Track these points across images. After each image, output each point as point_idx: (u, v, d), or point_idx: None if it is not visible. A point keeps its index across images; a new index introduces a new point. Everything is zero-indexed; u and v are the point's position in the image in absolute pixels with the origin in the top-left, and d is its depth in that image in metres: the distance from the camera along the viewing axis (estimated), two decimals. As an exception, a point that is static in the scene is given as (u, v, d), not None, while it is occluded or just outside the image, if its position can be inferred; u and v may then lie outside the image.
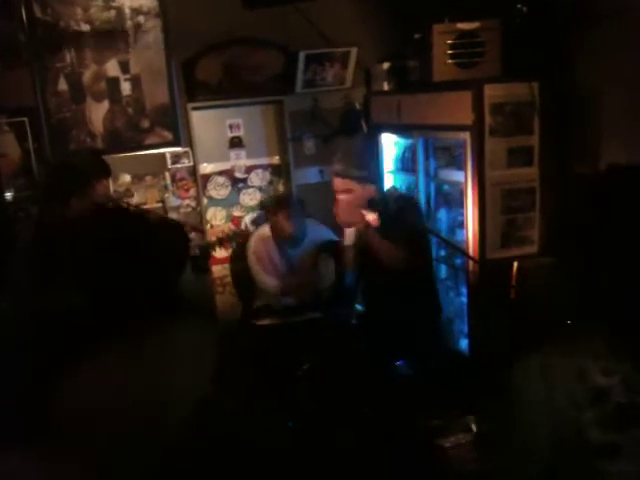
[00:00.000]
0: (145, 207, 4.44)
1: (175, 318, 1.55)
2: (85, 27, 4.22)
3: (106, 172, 3.79)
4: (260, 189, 5.01)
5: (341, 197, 3.43)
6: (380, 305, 3.72)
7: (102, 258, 1.49)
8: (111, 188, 4.32)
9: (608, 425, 1.24)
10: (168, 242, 1.71)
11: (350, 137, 4.85)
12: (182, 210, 4.64)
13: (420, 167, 4.31)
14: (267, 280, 4.24)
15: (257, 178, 4.99)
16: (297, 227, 4.15)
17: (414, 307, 3.54)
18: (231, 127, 4.85)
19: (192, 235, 4.66)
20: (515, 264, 3.58)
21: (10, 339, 1.69)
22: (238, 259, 4.78)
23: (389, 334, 3.56)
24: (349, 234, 3.48)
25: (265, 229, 4.37)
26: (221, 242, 4.27)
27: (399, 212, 3.43)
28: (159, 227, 1.72)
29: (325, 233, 4.39)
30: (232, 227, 4.92)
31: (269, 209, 4.37)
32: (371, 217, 3.41)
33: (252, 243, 4.33)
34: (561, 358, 1.36)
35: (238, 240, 4.46)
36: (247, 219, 5.03)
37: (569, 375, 1.30)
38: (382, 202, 3.43)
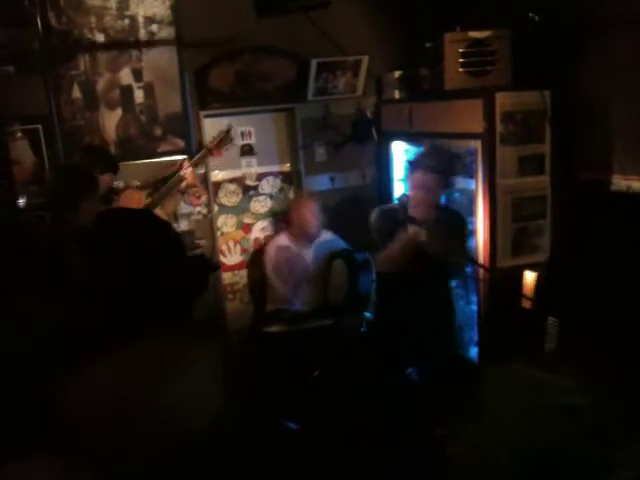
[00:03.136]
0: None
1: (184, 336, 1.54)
2: (99, 36, 4.26)
3: (112, 167, 3.84)
4: (271, 197, 5.02)
5: (418, 193, 3.58)
6: (396, 304, 3.74)
7: (114, 266, 1.48)
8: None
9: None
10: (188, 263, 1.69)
11: (361, 145, 4.87)
12: (193, 217, 4.66)
13: (431, 175, 4.32)
14: (283, 289, 4.38)
15: (268, 185, 5.01)
16: (317, 221, 4.38)
17: (432, 307, 3.57)
18: (242, 135, 4.87)
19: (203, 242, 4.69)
20: (534, 274, 3.55)
21: (15, 347, 1.70)
22: (255, 265, 4.83)
23: (403, 336, 3.58)
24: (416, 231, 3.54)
25: (282, 237, 4.50)
26: (210, 151, 4.27)
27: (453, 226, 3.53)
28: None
29: (337, 242, 4.44)
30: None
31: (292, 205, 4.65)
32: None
33: (271, 253, 4.46)
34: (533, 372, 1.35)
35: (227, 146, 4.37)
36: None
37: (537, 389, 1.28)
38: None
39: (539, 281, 3.48)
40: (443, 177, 3.56)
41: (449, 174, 3.63)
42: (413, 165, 3.66)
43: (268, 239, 4.87)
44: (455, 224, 3.65)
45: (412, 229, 3.50)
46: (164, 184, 4.17)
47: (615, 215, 1.30)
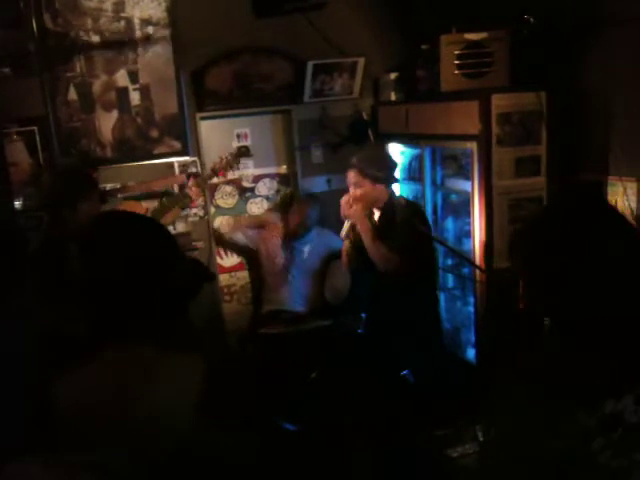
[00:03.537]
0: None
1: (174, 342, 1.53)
2: (95, 37, 4.25)
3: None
4: (267, 198, 5.02)
5: (351, 190, 3.59)
6: (380, 307, 3.75)
7: (112, 269, 1.47)
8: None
9: (619, 449, 1.21)
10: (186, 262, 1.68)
11: (358, 146, 4.87)
12: (190, 219, 4.65)
13: (427, 176, 4.32)
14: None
15: (264, 187, 5.01)
16: (308, 217, 4.48)
17: (413, 311, 3.56)
18: (239, 136, 4.87)
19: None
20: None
21: (14, 349, 1.69)
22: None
23: (392, 339, 3.58)
24: (345, 227, 3.59)
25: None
26: (216, 173, 4.28)
27: (403, 218, 3.48)
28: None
29: (335, 241, 4.45)
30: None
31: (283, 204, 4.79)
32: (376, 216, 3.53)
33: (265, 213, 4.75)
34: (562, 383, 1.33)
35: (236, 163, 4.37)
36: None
37: (573, 401, 1.27)
38: (389, 206, 3.54)
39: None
40: (379, 179, 3.57)
41: (380, 175, 3.60)
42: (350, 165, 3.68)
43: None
44: (405, 213, 3.59)
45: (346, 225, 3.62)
46: (168, 199, 4.22)
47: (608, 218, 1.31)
